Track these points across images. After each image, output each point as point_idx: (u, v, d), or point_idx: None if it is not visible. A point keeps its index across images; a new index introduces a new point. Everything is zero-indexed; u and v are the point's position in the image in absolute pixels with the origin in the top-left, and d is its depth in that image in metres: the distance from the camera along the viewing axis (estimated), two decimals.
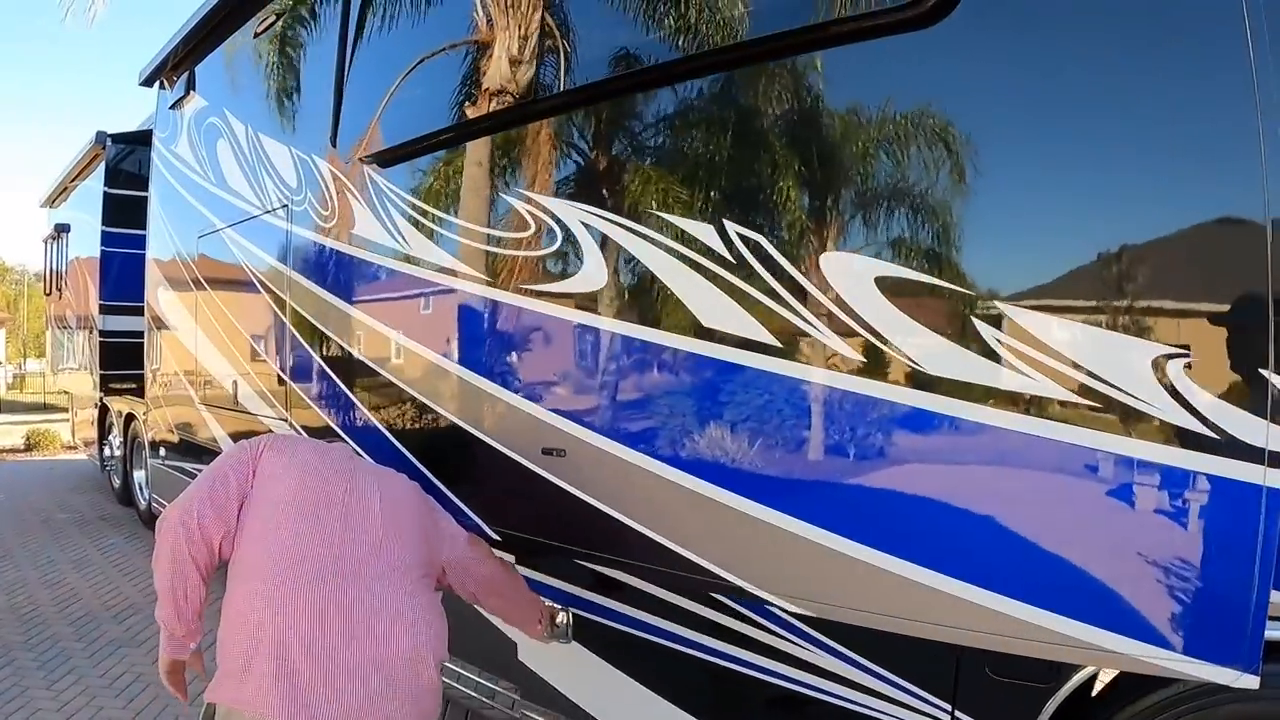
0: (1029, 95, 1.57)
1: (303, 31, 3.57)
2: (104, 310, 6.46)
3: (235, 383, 3.97)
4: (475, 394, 2.45)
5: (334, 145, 3.11)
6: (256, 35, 3.89)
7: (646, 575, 2.23)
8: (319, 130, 3.22)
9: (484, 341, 2.49)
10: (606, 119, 2.22)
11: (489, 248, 2.44)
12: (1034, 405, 1.49)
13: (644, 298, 2.02)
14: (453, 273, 2.54)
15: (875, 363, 1.65)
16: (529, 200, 2.29)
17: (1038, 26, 1.58)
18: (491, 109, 2.43)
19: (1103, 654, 1.48)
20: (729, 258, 1.83)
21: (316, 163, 3.26)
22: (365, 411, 2.99)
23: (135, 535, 7.03)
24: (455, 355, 2.57)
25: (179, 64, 4.87)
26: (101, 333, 6.47)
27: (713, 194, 1.92)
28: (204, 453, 4.95)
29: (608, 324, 2.10)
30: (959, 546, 1.58)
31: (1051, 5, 1.58)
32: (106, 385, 6.58)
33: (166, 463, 6.22)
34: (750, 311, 1.80)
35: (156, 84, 5.26)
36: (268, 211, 3.65)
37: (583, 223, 2.16)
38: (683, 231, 1.91)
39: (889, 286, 1.64)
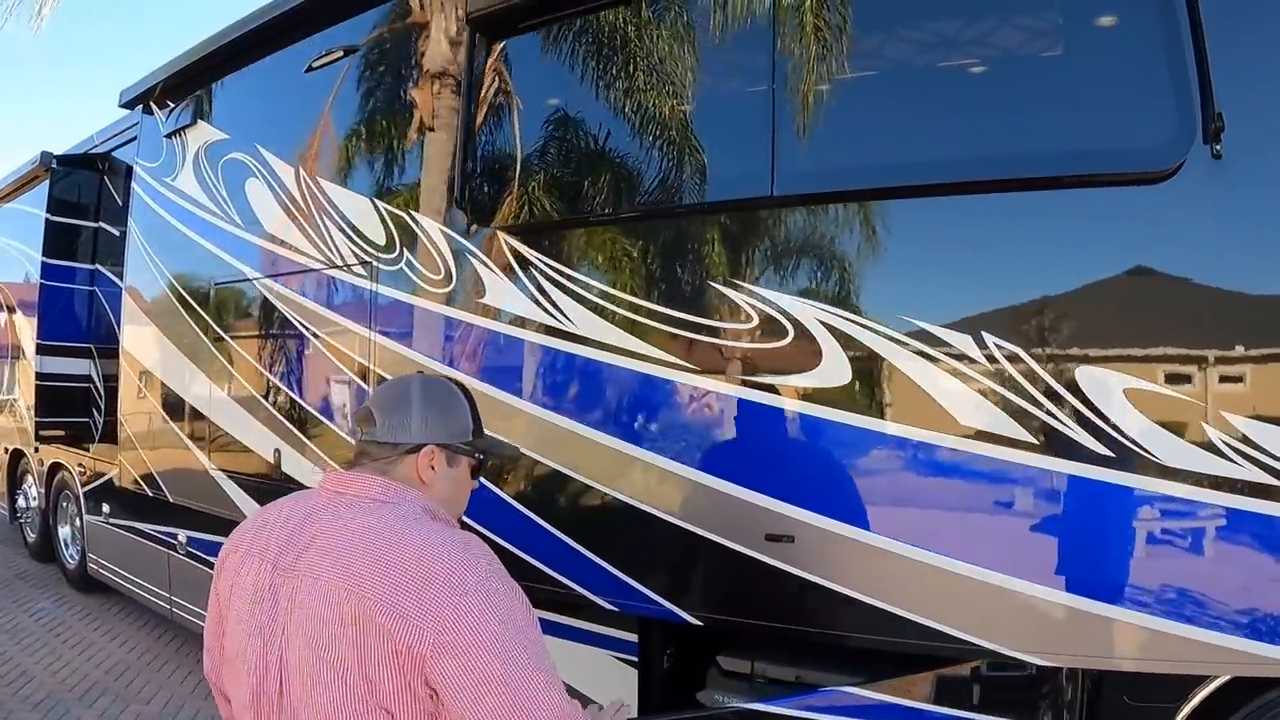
0: None
1: (390, 77, 3.33)
2: (41, 350, 5.71)
3: (278, 451, 3.61)
4: (673, 481, 2.41)
5: (458, 209, 2.91)
6: (310, 69, 3.60)
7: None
8: (429, 190, 3.02)
9: (688, 427, 2.45)
10: (865, 219, 2.28)
11: (697, 336, 2.38)
12: (1246, 488, 1.85)
13: (891, 395, 2.17)
14: (641, 356, 2.45)
15: (1122, 457, 1.93)
16: (753, 293, 2.33)
17: None
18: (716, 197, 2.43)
19: None
20: (985, 364, 2.04)
21: (421, 223, 3.04)
22: (503, 494, 2.79)
23: (65, 599, 6.23)
24: (644, 439, 2.49)
25: (178, 88, 4.43)
26: (38, 375, 5.71)
27: (973, 306, 2.10)
28: (184, 518, 4.48)
29: (849, 418, 2.18)
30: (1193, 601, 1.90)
31: None
32: (39, 433, 5.81)
33: (112, 521, 5.58)
34: (1006, 412, 2.02)
35: (140, 108, 4.77)
36: (335, 267, 3.36)
37: (821, 321, 2.18)
38: (938, 338, 2.07)
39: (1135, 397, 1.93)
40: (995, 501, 2.10)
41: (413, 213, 3.09)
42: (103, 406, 5.80)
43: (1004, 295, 2.11)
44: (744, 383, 2.34)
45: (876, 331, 2.16)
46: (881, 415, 2.16)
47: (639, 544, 2.51)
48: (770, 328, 2.29)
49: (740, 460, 2.35)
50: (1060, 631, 2.00)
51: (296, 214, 3.57)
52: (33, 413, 5.82)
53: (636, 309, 2.52)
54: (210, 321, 4.07)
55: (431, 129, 3.05)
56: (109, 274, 5.79)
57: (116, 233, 5.75)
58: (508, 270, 2.77)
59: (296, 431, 3.54)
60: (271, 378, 3.71)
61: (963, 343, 2.05)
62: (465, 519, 2.75)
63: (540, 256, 2.71)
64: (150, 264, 4.57)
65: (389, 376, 3.11)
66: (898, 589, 2.13)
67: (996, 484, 2.06)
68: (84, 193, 5.87)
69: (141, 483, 4.67)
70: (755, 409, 2.33)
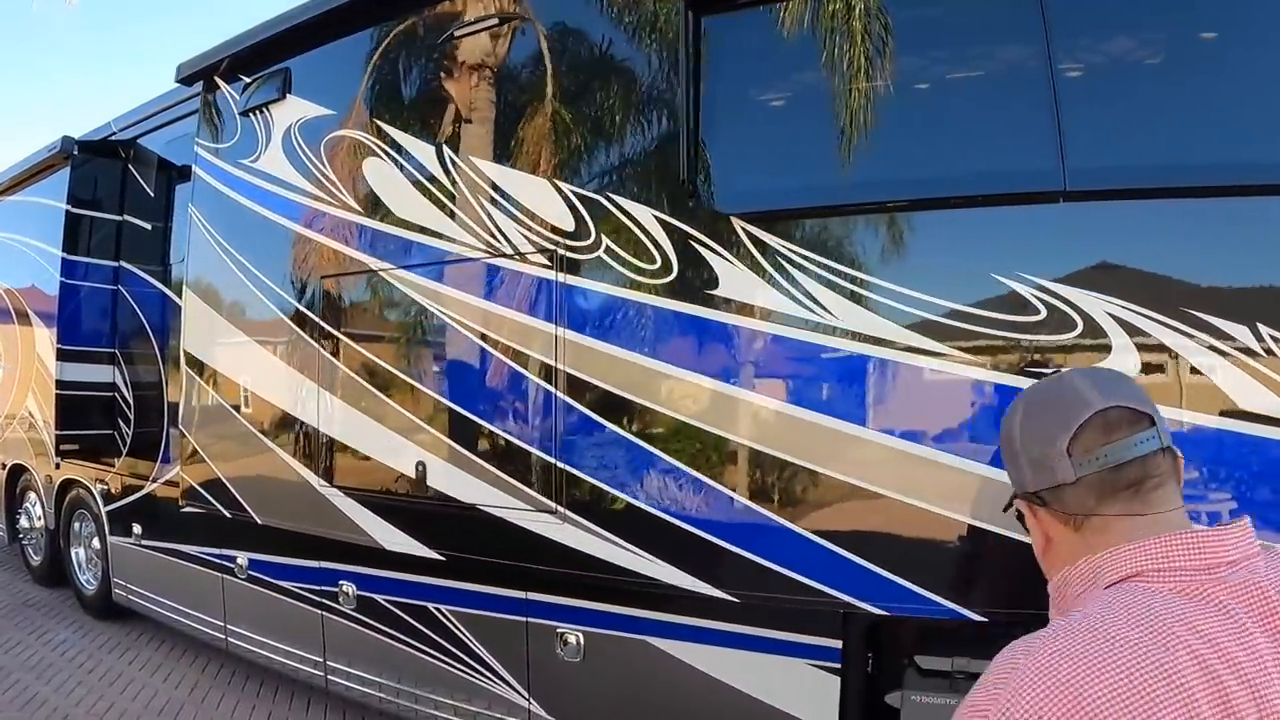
0: None
1: (571, 49, 2.99)
2: (63, 356, 5.09)
3: (422, 464, 3.21)
4: (953, 478, 2.29)
5: (683, 194, 2.61)
6: (454, 39, 3.22)
7: None
8: (641, 173, 2.71)
9: (968, 423, 2.37)
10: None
11: (976, 328, 2.27)
12: None
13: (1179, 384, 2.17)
14: (918, 350, 2.32)
15: None
16: (1041, 286, 2.24)
17: None
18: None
19: None
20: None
21: (627, 208, 2.72)
22: (751, 503, 2.51)
23: (84, 627, 5.59)
24: (917, 436, 2.36)
25: (256, 60, 3.97)
26: (58, 383, 5.09)
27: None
28: (246, 539, 4.04)
29: None
30: None
31: None
32: (60, 447, 5.18)
33: (146, 543, 5.03)
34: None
35: (200, 83, 4.27)
36: (502, 255, 3.00)
37: (1110, 314, 2.17)
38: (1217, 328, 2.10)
39: None
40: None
41: (613, 196, 2.77)
42: (131, 418, 5.24)
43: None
44: (1033, 376, 2.22)
45: (1163, 324, 2.13)
46: (1169, 403, 2.12)
47: (915, 545, 2.36)
48: (1059, 320, 2.22)
49: None
50: None
51: (442, 198, 3.19)
52: (51, 426, 5.20)
53: (908, 300, 2.35)
54: (317, 318, 3.63)
55: (643, 109, 2.74)
56: (138, 271, 5.23)
57: (147, 226, 5.21)
58: (748, 260, 2.51)
59: (449, 441, 3.15)
60: (411, 381, 3.31)
61: (1240, 333, 2.05)
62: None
63: (788, 244, 2.48)
64: (221, 256, 4.08)
65: (581, 375, 2.79)
66: None
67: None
68: (107, 183, 5.27)
69: (214, 501, 4.17)
70: None
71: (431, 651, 3.39)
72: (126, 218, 5.29)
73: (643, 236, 2.69)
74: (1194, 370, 2.12)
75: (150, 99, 5.06)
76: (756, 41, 2.63)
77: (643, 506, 2.69)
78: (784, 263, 2.48)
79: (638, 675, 2.86)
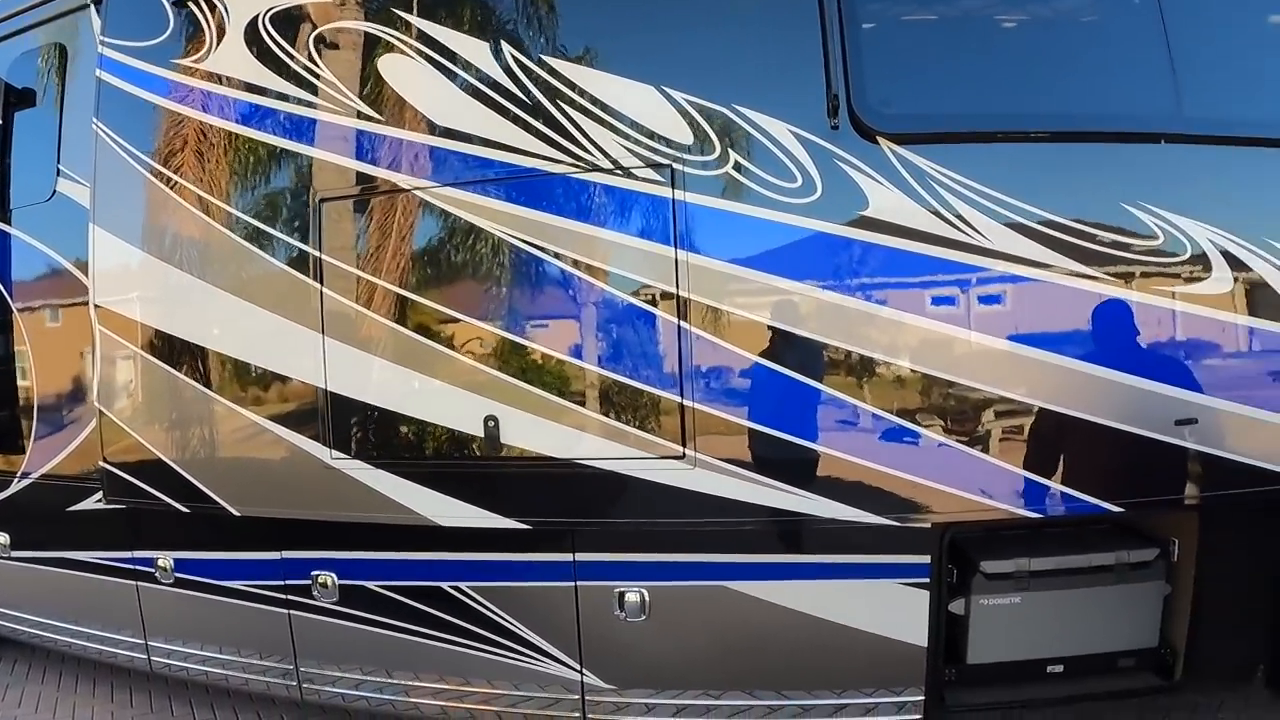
0: None
1: None
2: None
3: (493, 420, 2.75)
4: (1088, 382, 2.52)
5: (835, 111, 2.48)
6: None
7: None
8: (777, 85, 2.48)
9: (1100, 333, 2.56)
10: None
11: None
12: None
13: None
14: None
15: None
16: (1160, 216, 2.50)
17: None
18: None
19: None
20: None
21: (760, 123, 2.50)
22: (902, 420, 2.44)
23: None
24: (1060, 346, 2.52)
25: None
26: None
27: None
28: (172, 538, 3.41)
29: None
30: None
31: None
32: None
33: (19, 555, 4.00)
34: None
35: None
36: (596, 170, 2.62)
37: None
38: None
39: None
40: None
41: (740, 108, 2.52)
42: None
43: None
44: (1149, 291, 2.53)
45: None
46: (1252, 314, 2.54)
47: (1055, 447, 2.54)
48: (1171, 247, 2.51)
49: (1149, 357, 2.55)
50: None
51: (502, 101, 2.72)
52: None
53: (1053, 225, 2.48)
54: (319, 252, 2.97)
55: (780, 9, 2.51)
56: None
57: None
58: (898, 180, 2.44)
59: (534, 389, 2.72)
60: (471, 320, 2.81)
61: None
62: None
63: (941, 167, 2.47)
64: (153, 182, 3.24)
65: (708, 302, 2.53)
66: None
67: None
68: None
69: (157, 492, 3.33)
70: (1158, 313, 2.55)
71: (451, 637, 3.01)
72: None
73: (779, 153, 2.49)
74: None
75: None
76: None
77: (785, 438, 2.52)
78: (936, 185, 2.47)
79: (713, 626, 2.75)
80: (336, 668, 3.24)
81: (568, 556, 2.80)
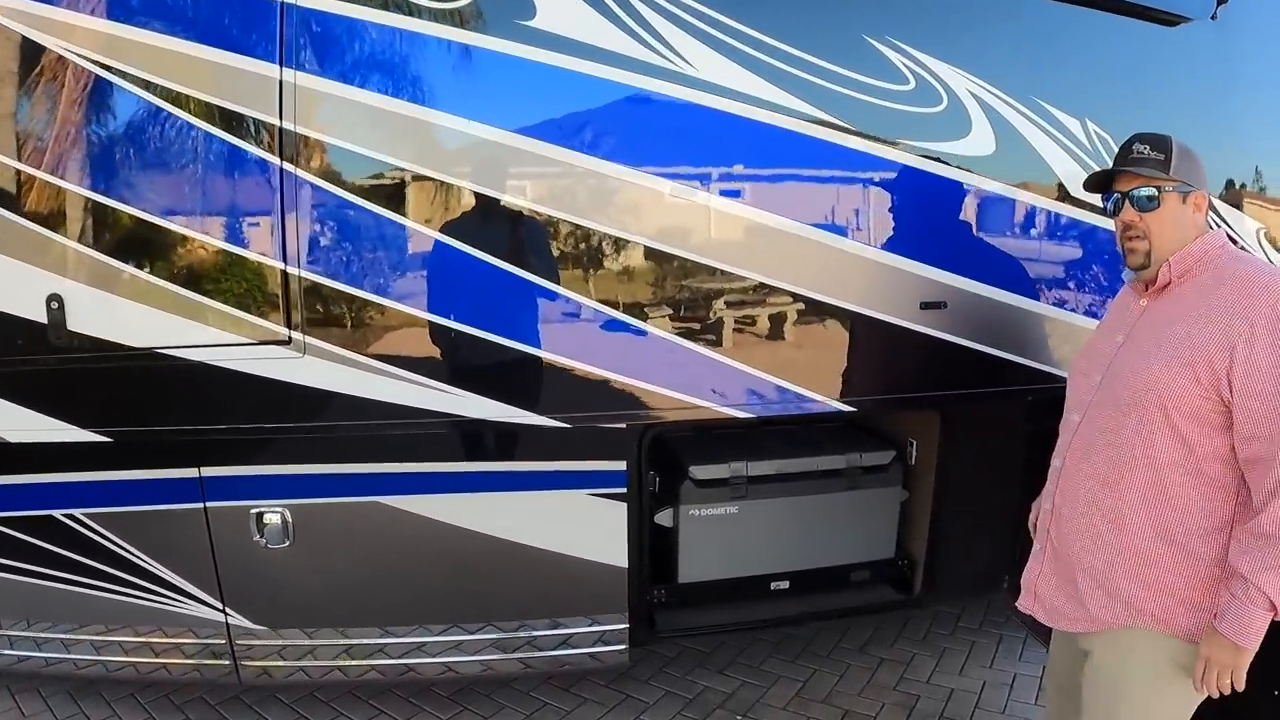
0: None
1: None
2: None
3: (57, 301, 2.07)
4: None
5: None
6: None
7: None
8: None
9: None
10: None
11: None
12: None
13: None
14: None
15: None
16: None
17: None
18: None
19: None
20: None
21: None
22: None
23: None
24: None
25: None
26: None
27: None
28: None
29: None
30: None
31: None
32: None
33: None
34: None
35: None
36: None
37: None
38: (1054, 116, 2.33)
39: None
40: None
41: None
42: None
43: None
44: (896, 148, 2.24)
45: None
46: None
47: (775, 331, 2.22)
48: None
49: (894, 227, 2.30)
50: None
51: None
52: None
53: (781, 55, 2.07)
54: None
55: None
56: None
57: None
58: None
59: (102, 257, 2.02)
60: (21, 166, 2.07)
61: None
62: None
63: None
64: None
65: (317, 136, 1.91)
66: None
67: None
68: None
69: None
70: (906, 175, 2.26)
71: (74, 577, 2.37)
72: None
73: None
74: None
75: None
76: None
77: (418, 314, 1.99)
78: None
79: (371, 551, 2.25)
80: None
81: (192, 472, 2.22)
